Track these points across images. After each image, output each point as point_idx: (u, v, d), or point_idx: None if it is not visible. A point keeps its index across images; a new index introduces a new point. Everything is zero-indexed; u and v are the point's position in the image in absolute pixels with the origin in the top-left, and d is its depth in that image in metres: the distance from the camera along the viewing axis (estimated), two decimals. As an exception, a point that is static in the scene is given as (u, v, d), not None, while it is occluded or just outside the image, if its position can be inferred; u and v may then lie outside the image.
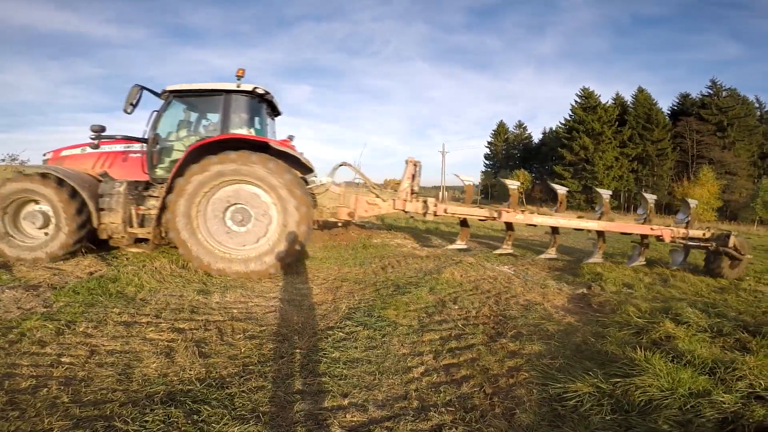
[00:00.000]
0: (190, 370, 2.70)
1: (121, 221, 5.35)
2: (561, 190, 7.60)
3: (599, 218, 7.44)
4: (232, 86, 5.71)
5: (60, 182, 5.24)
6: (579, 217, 8.22)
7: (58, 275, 4.78)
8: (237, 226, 5.31)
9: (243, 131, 5.77)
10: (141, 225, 5.50)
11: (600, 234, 7.48)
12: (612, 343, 3.38)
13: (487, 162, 65.42)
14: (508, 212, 7.11)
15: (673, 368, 2.77)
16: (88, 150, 5.93)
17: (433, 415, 2.35)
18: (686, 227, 7.36)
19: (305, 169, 6.14)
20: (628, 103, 48.07)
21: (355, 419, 2.29)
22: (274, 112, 6.87)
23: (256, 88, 5.81)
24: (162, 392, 2.41)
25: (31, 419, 2.12)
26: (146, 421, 2.11)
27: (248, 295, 4.55)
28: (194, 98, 6.09)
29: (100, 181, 5.60)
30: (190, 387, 2.48)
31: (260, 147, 5.37)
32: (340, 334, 3.46)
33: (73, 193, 5.26)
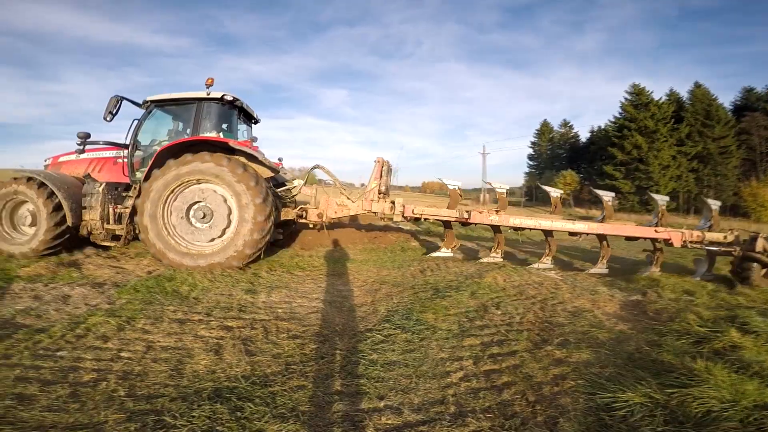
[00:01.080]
0: (236, 368, 2.81)
1: (98, 218, 5.82)
2: (554, 193, 6.92)
3: (602, 221, 6.79)
4: (203, 94, 6.10)
5: (41, 185, 5.76)
6: (575, 218, 7.51)
7: (121, 274, 5.19)
8: (200, 223, 5.60)
9: (211, 134, 6.05)
10: (117, 222, 5.97)
11: (601, 239, 6.85)
12: (669, 353, 3.19)
13: (530, 163, 63.32)
14: (480, 213, 6.72)
15: (737, 379, 2.59)
16: (83, 156, 6.47)
17: (470, 421, 2.31)
18: (708, 230, 6.60)
19: (275, 171, 6.36)
20: (684, 99, 44.81)
21: (390, 422, 2.30)
22: (250, 119, 7.28)
23: (224, 95, 6.17)
24: (209, 388, 2.51)
25: (89, 412, 2.25)
26: (193, 417, 2.20)
27: (292, 295, 4.70)
28: (173, 107, 6.47)
29: (83, 183, 6.08)
30: (235, 384, 2.58)
31: (225, 148, 5.71)
32: (379, 336, 3.48)
33: (51, 194, 5.73)
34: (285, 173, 7.55)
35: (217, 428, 2.11)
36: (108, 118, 5.94)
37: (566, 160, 57.03)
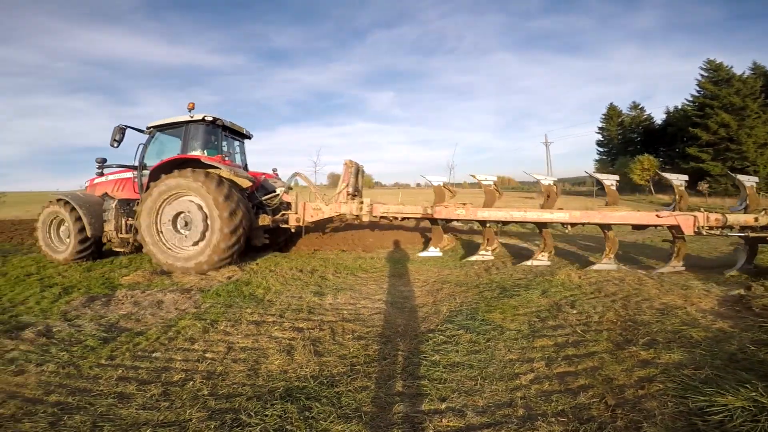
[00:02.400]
0: (306, 368, 2.94)
1: (113, 229, 6.80)
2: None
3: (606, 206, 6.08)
4: (188, 117, 6.85)
5: (68, 204, 6.85)
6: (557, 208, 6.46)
7: (205, 280, 5.66)
8: (183, 230, 6.26)
9: (197, 152, 6.77)
10: (128, 232, 6.82)
11: (604, 228, 6.10)
12: (781, 353, 2.81)
13: (600, 149, 58.74)
14: (446, 207, 6.41)
15: None
16: (111, 177, 7.52)
17: (540, 425, 2.21)
18: (744, 212, 5.50)
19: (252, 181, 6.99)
20: (772, 71, 39.21)
21: (451, 424, 2.26)
22: (242, 136, 7.98)
23: (205, 116, 6.85)
24: (281, 388, 2.63)
25: (177, 410, 2.40)
26: (266, 416, 2.30)
27: (356, 297, 4.82)
28: (170, 130, 7.19)
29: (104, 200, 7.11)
30: (305, 384, 2.69)
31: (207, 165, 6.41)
32: (441, 337, 3.45)
33: (77, 213, 6.76)
34: (275, 182, 8.08)
35: (287, 427, 2.20)
36: (114, 145, 6.85)
37: (641, 144, 52.16)
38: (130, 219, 6.84)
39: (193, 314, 4.16)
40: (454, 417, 2.32)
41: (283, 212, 7.23)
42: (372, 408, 2.42)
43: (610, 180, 6.25)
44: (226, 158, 6.94)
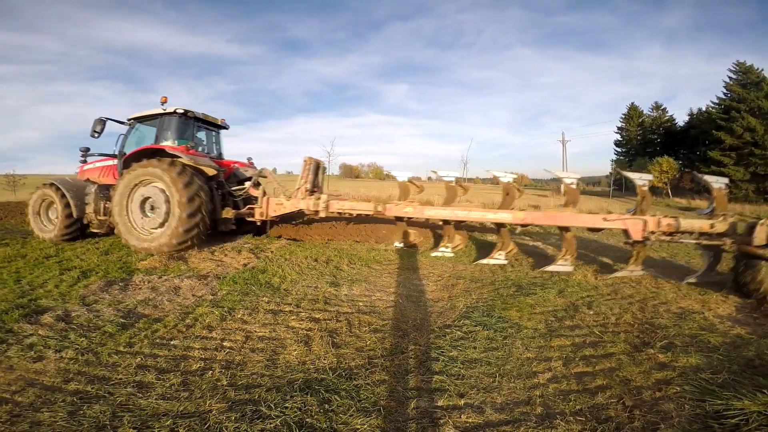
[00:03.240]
0: (324, 360, 2.94)
1: (93, 211, 7.35)
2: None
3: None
4: (162, 110, 7.33)
5: (57, 188, 7.43)
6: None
7: (221, 266, 5.71)
8: (150, 214, 6.68)
9: (168, 143, 7.24)
10: (105, 214, 7.33)
11: (562, 230, 5.93)
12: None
13: (618, 149, 57.77)
14: (396, 205, 6.50)
15: None
16: (98, 164, 7.92)
17: (559, 423, 2.21)
18: (709, 216, 5.18)
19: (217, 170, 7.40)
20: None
21: (470, 420, 2.26)
22: (217, 126, 8.40)
23: (176, 109, 7.28)
24: (300, 379, 2.63)
25: (196, 400, 2.38)
26: (286, 408, 2.29)
27: (371, 289, 4.82)
28: (148, 121, 7.64)
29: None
30: (323, 376, 2.69)
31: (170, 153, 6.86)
32: (458, 333, 3.44)
33: (64, 195, 7.36)
34: (246, 171, 8.36)
35: (307, 420, 2.20)
36: (95, 136, 7.35)
37: (661, 146, 51.27)
38: (107, 203, 7.29)
39: (210, 301, 4.19)
40: (473, 413, 2.32)
41: (249, 206, 7.50)
42: (390, 402, 2.42)
43: (571, 179, 5.99)
44: (191, 148, 7.24)
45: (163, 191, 6.45)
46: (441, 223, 7.05)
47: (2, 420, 2.18)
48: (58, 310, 3.82)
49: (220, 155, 8.45)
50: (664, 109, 54.68)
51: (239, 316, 3.79)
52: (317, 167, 7.40)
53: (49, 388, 2.52)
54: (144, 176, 6.56)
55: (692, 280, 5.17)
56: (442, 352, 3.08)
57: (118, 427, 2.11)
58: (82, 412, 2.25)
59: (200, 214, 6.45)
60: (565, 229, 5.92)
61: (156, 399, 2.40)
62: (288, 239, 8.13)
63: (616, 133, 57.58)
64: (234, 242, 7.44)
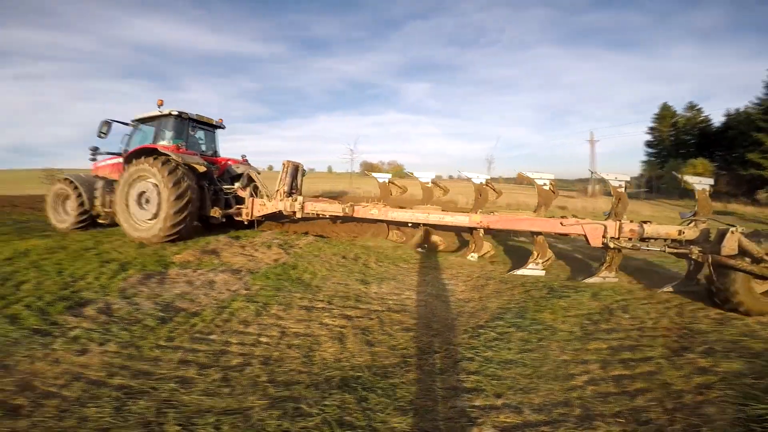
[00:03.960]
0: (359, 357, 2.96)
1: (100, 204, 7.97)
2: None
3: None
4: (159, 112, 7.89)
5: (71, 183, 8.08)
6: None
7: (253, 261, 5.82)
8: (145, 206, 7.10)
9: (165, 142, 7.72)
10: (110, 207, 7.84)
11: (534, 234, 5.75)
12: None
13: (650, 150, 55.92)
14: (364, 207, 6.76)
15: None
16: (109, 162, 8.50)
17: (598, 424, 2.19)
18: (690, 221, 4.89)
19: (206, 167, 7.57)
20: None
21: (509, 420, 2.25)
22: (212, 126, 8.90)
23: (171, 111, 7.82)
24: (337, 377, 2.65)
25: (238, 397, 2.40)
26: (325, 405, 2.30)
27: (401, 287, 4.83)
28: (149, 122, 8.15)
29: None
30: (359, 374, 2.70)
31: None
32: (492, 334, 3.42)
33: (77, 189, 8.00)
34: (237, 168, 8.74)
35: (346, 418, 2.21)
36: (101, 137, 7.99)
37: (695, 147, 49.36)
38: (112, 196, 7.87)
39: (245, 296, 4.27)
40: (511, 413, 2.31)
41: (238, 206, 8.04)
42: (427, 401, 2.42)
43: (543, 180, 5.75)
44: (181, 147, 7.69)
45: (156, 186, 6.93)
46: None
47: (51, 415, 2.20)
48: (99, 302, 3.94)
49: (215, 153, 8.95)
50: (699, 109, 52.52)
51: (274, 312, 3.85)
52: (296, 170, 7.93)
53: (94, 382, 2.56)
54: (140, 173, 7.09)
55: (668, 289, 4.86)
56: (477, 352, 3.07)
57: (163, 423, 2.13)
58: (127, 407, 2.27)
59: (187, 211, 6.90)
60: (537, 232, 5.73)
61: (198, 395, 2.42)
62: (315, 236, 8.23)
63: (648, 133, 55.76)
64: (263, 237, 7.58)
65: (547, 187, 5.77)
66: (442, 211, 6.53)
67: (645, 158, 56.04)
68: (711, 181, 5.09)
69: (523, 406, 2.38)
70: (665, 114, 54.15)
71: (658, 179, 48.49)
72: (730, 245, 4.21)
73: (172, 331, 3.37)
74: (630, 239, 5.07)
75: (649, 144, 56.02)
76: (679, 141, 52.59)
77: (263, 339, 3.27)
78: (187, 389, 2.48)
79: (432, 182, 7.25)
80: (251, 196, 7.79)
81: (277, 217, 8.80)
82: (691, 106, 53.01)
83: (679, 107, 54.53)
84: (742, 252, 4.16)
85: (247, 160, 9.10)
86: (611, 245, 5.06)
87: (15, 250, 6.18)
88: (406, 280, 5.14)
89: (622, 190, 5.29)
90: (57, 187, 8.46)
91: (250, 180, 8.40)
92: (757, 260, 4.09)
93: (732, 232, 4.23)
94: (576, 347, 3.21)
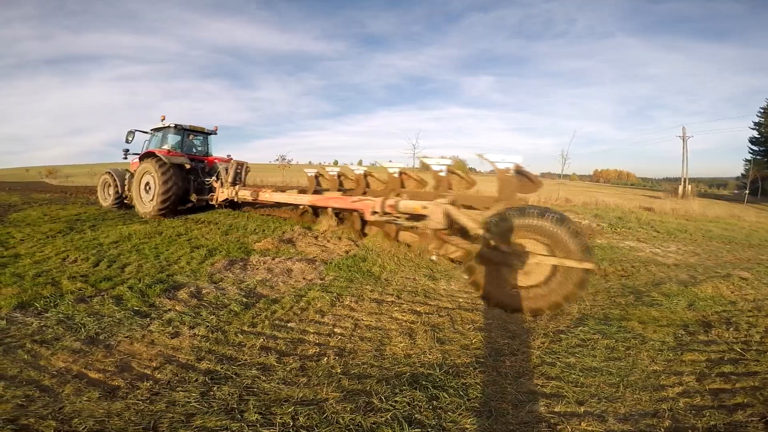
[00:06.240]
0: (429, 354, 2.93)
1: (127, 190, 10.65)
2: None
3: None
4: (161, 125, 10.41)
5: (111, 175, 11.09)
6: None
7: (326, 252, 6.04)
8: (148, 192, 9.67)
9: (166, 147, 10.10)
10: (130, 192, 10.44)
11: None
12: None
13: (754, 148, 49.44)
14: (262, 191, 8.95)
15: None
16: (134, 161, 10.75)
17: (690, 437, 1.99)
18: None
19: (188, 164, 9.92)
20: None
21: (591, 428, 2.13)
22: (206, 133, 11.17)
23: (169, 124, 10.31)
24: (408, 373, 2.63)
25: (314, 387, 2.44)
26: (396, 401, 2.28)
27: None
28: (159, 131, 10.59)
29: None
30: (430, 371, 2.66)
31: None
32: (574, 340, 3.21)
33: (114, 179, 10.96)
34: (216, 162, 10.77)
35: (416, 416, 2.18)
36: (128, 142, 10.67)
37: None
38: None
39: (320, 286, 4.43)
40: (594, 421, 2.18)
41: (211, 193, 10.35)
42: (503, 404, 2.34)
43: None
44: (172, 150, 10.02)
45: (153, 178, 9.41)
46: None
47: (143, 398, 2.32)
48: (191, 286, 4.26)
49: (207, 153, 11.30)
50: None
51: (347, 303, 3.95)
52: (240, 166, 10.25)
53: (184, 365, 2.71)
54: (145, 169, 9.64)
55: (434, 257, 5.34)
56: (558, 357, 2.91)
57: (244, 411, 2.19)
58: (212, 393, 2.36)
59: (171, 195, 9.39)
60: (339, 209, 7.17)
61: (278, 383, 2.50)
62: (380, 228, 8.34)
63: (753, 129, 49.39)
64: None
65: (443, 174, 5.87)
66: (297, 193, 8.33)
67: (749, 156, 49.71)
68: (518, 159, 4.66)
69: (607, 414, 2.24)
70: (774, 108, 47.50)
71: (765, 180, 42.78)
72: (436, 218, 4.70)
73: (254, 317, 3.56)
74: (389, 213, 5.54)
75: (753, 141, 49.59)
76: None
77: (337, 330, 3.36)
78: (268, 377, 2.58)
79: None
80: (222, 186, 10.09)
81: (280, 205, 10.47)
82: (805, 100, 45.83)
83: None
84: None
85: (231, 158, 11.01)
86: (377, 218, 5.73)
87: (120, 235, 6.97)
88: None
89: (443, 174, 5.69)
90: (103, 177, 11.61)
91: (236, 175, 10.39)
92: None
93: (436, 204, 4.72)
94: (668, 358, 2.94)
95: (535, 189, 5.12)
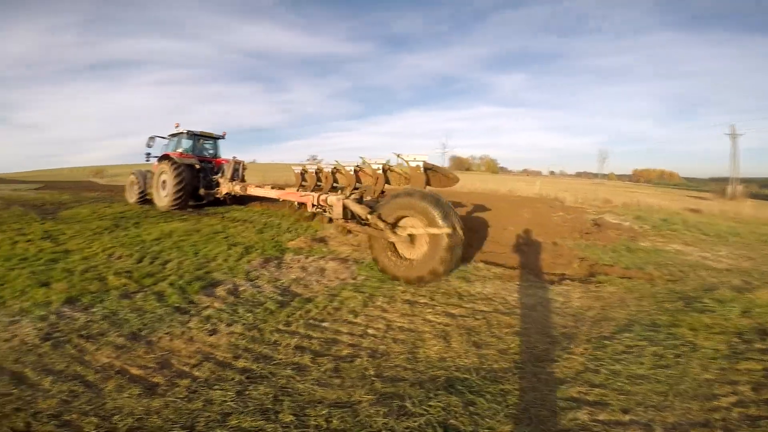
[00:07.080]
0: (465, 358, 2.86)
1: (148, 188, 11.96)
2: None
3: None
4: (176, 131, 11.80)
5: (135, 175, 12.42)
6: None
7: (357, 251, 6.04)
8: (165, 189, 10.87)
9: (180, 150, 11.45)
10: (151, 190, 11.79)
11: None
12: None
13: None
14: (252, 186, 10.06)
15: None
16: (155, 162, 11.71)
17: (743, 448, 1.85)
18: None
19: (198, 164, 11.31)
20: None
21: None
22: (214, 138, 12.56)
23: (182, 130, 11.71)
24: (442, 377, 2.58)
25: (348, 389, 2.43)
26: (430, 406, 2.24)
27: (507, 288, 4.57)
28: (175, 136, 11.96)
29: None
30: (466, 376, 2.60)
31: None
32: (620, 346, 3.06)
33: (138, 179, 12.26)
34: (223, 163, 11.98)
35: (451, 421, 2.13)
36: (149, 146, 11.79)
37: None
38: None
39: (352, 286, 4.43)
40: (640, 430, 2.10)
41: (216, 189, 11.53)
42: (543, 411, 2.27)
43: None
44: (184, 153, 11.36)
45: (168, 177, 10.70)
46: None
47: (181, 396, 2.34)
48: (228, 284, 4.36)
49: (215, 155, 12.57)
50: None
51: (379, 304, 3.93)
52: (238, 164, 11.33)
53: (221, 363, 2.74)
54: (162, 169, 10.97)
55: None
56: (602, 364, 2.78)
57: (279, 411, 2.20)
58: (248, 392, 2.38)
59: (183, 192, 10.66)
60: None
61: (312, 384, 2.49)
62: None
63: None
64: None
65: (352, 172, 7.11)
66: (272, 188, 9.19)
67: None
68: (426, 157, 5.31)
69: (654, 423, 2.15)
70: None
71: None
72: (336, 210, 5.66)
73: (289, 315, 3.59)
74: (322, 206, 6.66)
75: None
76: None
77: (370, 331, 3.34)
78: (302, 377, 2.58)
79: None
80: (227, 182, 11.16)
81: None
82: None
83: None
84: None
85: (236, 159, 11.93)
86: (316, 210, 6.87)
87: (162, 232, 7.24)
88: (510, 284, 4.80)
89: (380, 171, 6.26)
90: (130, 178, 12.93)
91: (234, 172, 11.45)
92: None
93: (338, 199, 5.65)
94: (722, 366, 2.77)
95: (450, 184, 5.68)
